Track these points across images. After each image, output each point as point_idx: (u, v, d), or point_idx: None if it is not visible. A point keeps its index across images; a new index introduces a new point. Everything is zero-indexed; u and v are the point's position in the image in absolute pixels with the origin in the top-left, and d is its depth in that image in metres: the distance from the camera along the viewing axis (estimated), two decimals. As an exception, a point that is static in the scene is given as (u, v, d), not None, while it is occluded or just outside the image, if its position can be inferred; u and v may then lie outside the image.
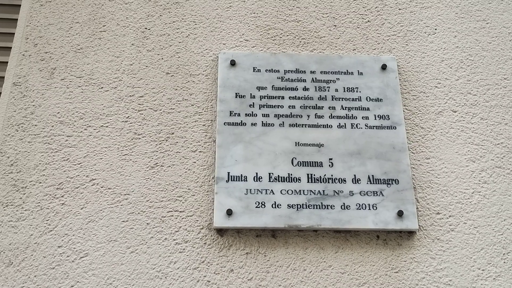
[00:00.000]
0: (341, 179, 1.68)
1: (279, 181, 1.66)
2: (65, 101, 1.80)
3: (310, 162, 1.70)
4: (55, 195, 1.66)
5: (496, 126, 1.85)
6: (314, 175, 1.68)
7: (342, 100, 1.81)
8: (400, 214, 1.63)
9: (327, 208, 1.63)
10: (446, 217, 1.70)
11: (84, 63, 1.87)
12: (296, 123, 1.77)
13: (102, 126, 1.77)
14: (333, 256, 1.62)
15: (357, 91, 1.83)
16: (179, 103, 1.82)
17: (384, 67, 1.88)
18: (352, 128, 1.77)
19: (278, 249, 1.63)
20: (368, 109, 1.80)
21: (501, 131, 1.84)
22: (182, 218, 1.65)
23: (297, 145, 1.73)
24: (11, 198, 1.65)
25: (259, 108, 1.78)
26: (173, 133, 1.77)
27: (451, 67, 1.95)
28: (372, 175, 1.69)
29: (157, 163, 1.72)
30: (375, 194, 1.66)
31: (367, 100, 1.82)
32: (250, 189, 1.65)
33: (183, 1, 2.01)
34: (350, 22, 2.01)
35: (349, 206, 1.64)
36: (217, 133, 1.73)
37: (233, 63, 1.85)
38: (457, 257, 1.64)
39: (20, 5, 2.06)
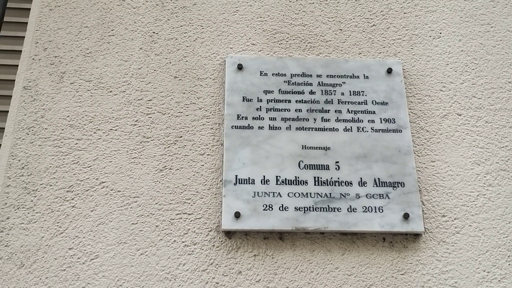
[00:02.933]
0: (348, 182, 1.70)
1: (286, 184, 1.69)
2: (75, 105, 1.83)
3: (316, 165, 1.73)
4: (66, 197, 1.68)
5: (501, 129, 1.87)
6: (321, 178, 1.70)
7: (348, 103, 1.83)
8: (406, 216, 1.65)
9: (334, 211, 1.65)
10: (451, 219, 1.72)
11: (93, 67, 1.90)
12: (303, 127, 1.79)
13: (111, 129, 1.79)
14: (340, 258, 1.64)
15: (363, 95, 1.85)
16: (187, 107, 1.84)
17: (389, 70, 1.90)
18: (358, 131, 1.79)
19: (285, 251, 1.65)
20: (374, 112, 1.82)
21: (505, 134, 1.86)
22: (191, 221, 1.67)
23: (304, 148, 1.75)
24: (23, 200, 1.67)
25: (266, 112, 1.80)
26: (181, 136, 1.79)
27: (456, 71, 1.97)
28: (378, 178, 1.71)
29: (165, 166, 1.74)
30: (381, 197, 1.68)
31: (373, 103, 1.84)
32: (258, 192, 1.67)
33: (191, 6, 2.03)
34: (356, 26, 2.03)
35: (356, 209, 1.66)
36: (224, 137, 1.75)
37: (240, 67, 1.87)
38: (462, 259, 1.66)
39: (29, 9, 2.09)
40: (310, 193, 1.68)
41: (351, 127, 1.79)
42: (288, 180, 1.69)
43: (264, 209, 1.64)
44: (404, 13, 2.07)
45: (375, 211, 1.66)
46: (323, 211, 1.65)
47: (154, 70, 1.90)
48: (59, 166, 1.73)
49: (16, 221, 1.65)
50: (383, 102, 1.84)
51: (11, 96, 1.90)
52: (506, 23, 2.07)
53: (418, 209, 1.67)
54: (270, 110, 1.81)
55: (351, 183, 1.70)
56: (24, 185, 1.69)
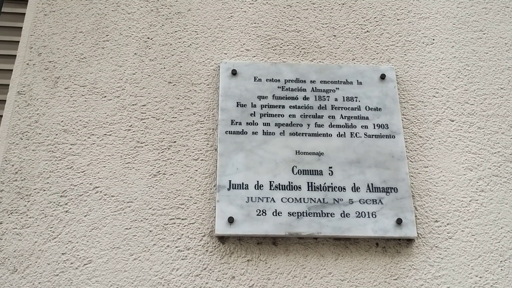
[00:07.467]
0: (341, 187, 1.71)
1: (279, 189, 1.69)
2: (69, 110, 1.83)
3: (310, 170, 1.73)
4: (59, 202, 1.68)
5: (493, 135, 1.88)
6: (314, 183, 1.71)
7: (341, 109, 1.84)
8: (399, 222, 1.66)
9: (327, 216, 1.66)
10: (444, 225, 1.73)
11: (87, 72, 1.90)
12: (297, 132, 1.79)
13: (105, 134, 1.80)
14: (333, 263, 1.65)
15: (356, 101, 1.86)
16: (181, 112, 1.85)
17: (383, 76, 1.91)
18: (351, 137, 1.80)
19: (279, 256, 1.65)
20: (367, 118, 1.83)
21: (498, 140, 1.88)
22: (184, 226, 1.67)
23: (297, 153, 1.76)
24: (16, 205, 1.67)
25: (260, 117, 1.81)
26: (175, 142, 1.80)
27: (448, 77, 1.98)
28: (371, 184, 1.72)
29: (159, 171, 1.74)
30: (374, 202, 1.69)
31: (366, 109, 1.85)
32: (251, 197, 1.67)
33: (185, 11, 2.04)
34: (350, 32, 2.04)
35: (349, 214, 1.67)
36: (218, 142, 1.76)
37: (234, 73, 1.88)
38: (455, 264, 1.67)
39: (24, 14, 2.10)
40: (304, 199, 1.68)
41: (344, 132, 1.80)
42: (282, 185, 1.70)
43: (257, 214, 1.65)
44: (398, 19, 2.09)
45: (368, 217, 1.67)
46: (317, 216, 1.66)
47: (149, 75, 1.91)
48: (52, 171, 1.73)
49: (9, 226, 1.64)
50: (377, 108, 1.85)
51: (5, 100, 1.91)
52: (498, 29, 2.09)
53: (411, 215, 1.68)
54: (264, 116, 1.81)
55: (344, 189, 1.71)
56: (17, 190, 1.69)
